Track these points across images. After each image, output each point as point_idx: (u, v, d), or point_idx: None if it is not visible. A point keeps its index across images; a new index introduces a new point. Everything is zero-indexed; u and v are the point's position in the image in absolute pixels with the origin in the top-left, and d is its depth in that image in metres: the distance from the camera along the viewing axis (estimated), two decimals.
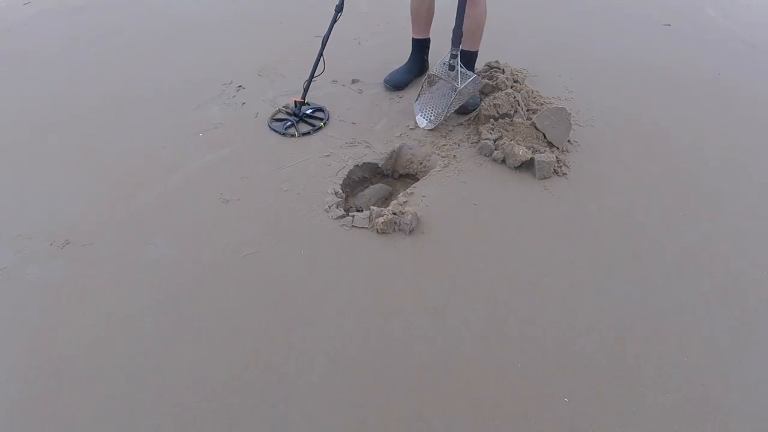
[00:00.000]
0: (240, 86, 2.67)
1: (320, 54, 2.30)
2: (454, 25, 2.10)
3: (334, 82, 2.68)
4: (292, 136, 2.30)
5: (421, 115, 2.34)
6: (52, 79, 2.81)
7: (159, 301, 1.59)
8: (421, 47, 2.63)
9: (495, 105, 2.22)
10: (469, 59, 2.47)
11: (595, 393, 1.37)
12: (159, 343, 1.47)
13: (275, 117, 2.42)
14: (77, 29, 3.39)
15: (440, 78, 2.25)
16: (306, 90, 2.37)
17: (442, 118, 2.29)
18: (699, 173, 2.15)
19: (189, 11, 3.60)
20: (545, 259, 1.73)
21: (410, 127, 2.35)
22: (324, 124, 2.37)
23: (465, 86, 2.18)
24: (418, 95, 2.38)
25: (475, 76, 2.21)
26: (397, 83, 2.61)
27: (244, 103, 2.53)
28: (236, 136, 2.30)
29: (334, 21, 2.25)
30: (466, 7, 2.11)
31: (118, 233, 1.82)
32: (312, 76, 2.33)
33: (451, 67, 2.17)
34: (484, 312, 1.56)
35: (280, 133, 2.31)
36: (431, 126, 2.30)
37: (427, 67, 2.72)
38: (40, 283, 1.66)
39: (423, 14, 2.46)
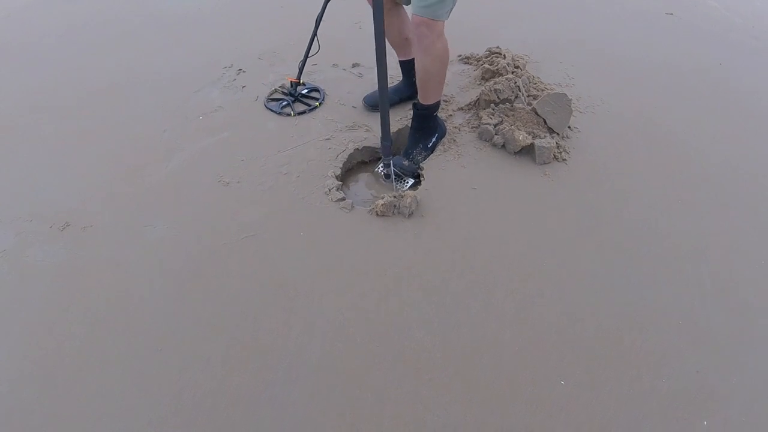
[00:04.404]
0: (240, 70, 2.65)
1: (314, 34, 2.25)
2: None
3: (335, 65, 2.67)
4: (288, 115, 2.31)
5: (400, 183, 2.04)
6: (52, 64, 2.79)
7: (158, 283, 1.59)
8: (405, 68, 2.33)
9: (495, 90, 2.20)
10: (424, 114, 2.02)
11: (590, 377, 1.38)
12: (158, 324, 1.48)
13: (271, 97, 2.43)
14: (77, 14, 3.36)
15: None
16: (301, 70, 2.36)
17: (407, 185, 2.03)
18: (697, 162, 2.14)
19: None
20: (543, 244, 1.74)
21: (410, 109, 2.33)
22: (319, 104, 2.37)
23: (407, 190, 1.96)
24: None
25: (413, 182, 2.01)
26: (373, 101, 2.32)
27: (244, 87, 2.52)
28: (236, 119, 2.30)
29: (327, 0, 2.17)
30: (417, 56, 1.81)
31: (118, 216, 1.83)
32: (306, 56, 2.30)
33: (387, 176, 1.99)
34: (481, 295, 1.57)
35: (275, 112, 2.32)
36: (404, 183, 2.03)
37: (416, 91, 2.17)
38: (39, 265, 1.67)
39: (396, 41, 2.19)
